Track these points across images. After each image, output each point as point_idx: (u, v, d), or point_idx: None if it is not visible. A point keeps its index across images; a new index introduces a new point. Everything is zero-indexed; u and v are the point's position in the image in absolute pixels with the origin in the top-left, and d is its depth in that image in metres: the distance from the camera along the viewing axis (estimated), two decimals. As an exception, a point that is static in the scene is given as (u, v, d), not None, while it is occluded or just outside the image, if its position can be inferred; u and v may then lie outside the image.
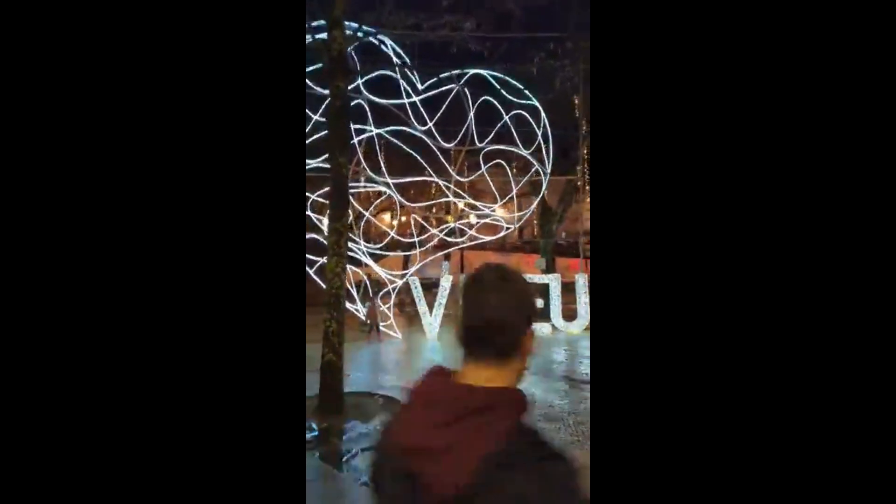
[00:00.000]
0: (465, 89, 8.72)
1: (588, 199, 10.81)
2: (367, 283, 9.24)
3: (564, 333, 8.94)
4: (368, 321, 8.54)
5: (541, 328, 8.98)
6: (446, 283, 8.69)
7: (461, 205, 8.82)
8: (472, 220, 8.94)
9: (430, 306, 8.53)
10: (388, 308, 8.31)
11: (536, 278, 9.40)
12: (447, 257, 11.12)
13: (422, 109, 8.90)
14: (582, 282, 9.27)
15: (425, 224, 9.62)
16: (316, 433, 3.80)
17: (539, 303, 9.15)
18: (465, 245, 9.44)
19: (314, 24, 4.95)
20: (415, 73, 8.20)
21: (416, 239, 8.86)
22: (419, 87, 8.62)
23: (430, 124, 8.90)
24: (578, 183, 11.16)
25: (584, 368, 6.02)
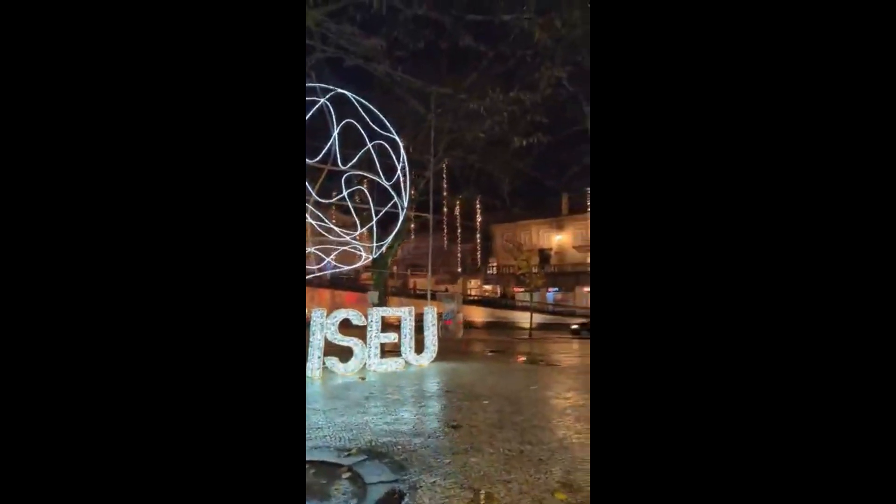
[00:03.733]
0: (329, 106, 8.19)
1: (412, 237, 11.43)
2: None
3: (416, 367, 8.79)
4: None
5: (395, 363, 8.62)
6: (319, 318, 7.45)
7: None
8: (332, 246, 8.12)
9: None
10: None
11: (390, 311, 9.07)
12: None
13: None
14: (431, 315, 9.40)
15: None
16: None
17: (392, 337, 8.79)
18: (318, 274, 8.44)
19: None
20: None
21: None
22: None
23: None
24: (410, 224, 11.63)
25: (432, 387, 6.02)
